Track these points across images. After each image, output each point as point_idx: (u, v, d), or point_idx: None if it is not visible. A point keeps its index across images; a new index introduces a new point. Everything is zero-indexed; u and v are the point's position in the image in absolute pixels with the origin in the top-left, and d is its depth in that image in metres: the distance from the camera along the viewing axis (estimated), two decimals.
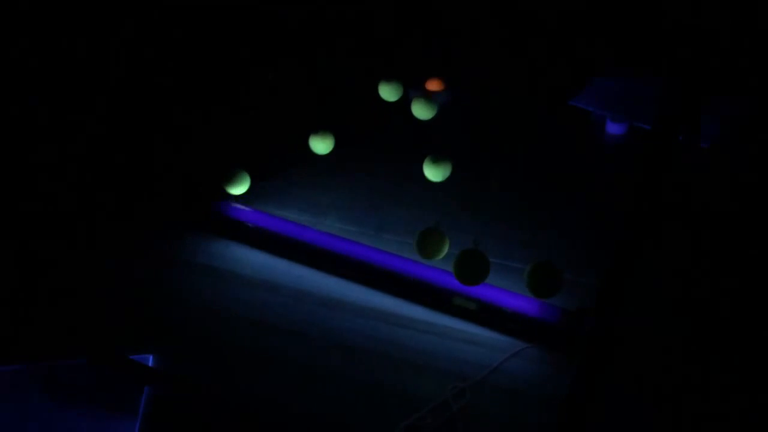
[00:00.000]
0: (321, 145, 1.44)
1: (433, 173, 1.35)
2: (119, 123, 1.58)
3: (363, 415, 0.99)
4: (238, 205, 1.31)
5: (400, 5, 1.82)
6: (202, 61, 1.76)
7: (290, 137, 1.57)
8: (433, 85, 1.69)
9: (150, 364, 1.06)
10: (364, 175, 1.45)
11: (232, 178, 1.31)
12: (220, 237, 1.30)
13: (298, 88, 1.75)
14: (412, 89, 1.68)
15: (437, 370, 1.04)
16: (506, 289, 1.12)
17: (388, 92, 1.54)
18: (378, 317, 1.13)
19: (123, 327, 1.13)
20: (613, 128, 1.54)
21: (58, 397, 1.01)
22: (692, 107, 1.11)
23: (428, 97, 1.49)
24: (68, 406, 1.00)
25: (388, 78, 1.54)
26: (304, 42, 1.85)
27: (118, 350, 1.08)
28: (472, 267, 1.08)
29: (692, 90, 1.03)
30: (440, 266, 1.17)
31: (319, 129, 1.43)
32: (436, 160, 1.33)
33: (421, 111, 1.50)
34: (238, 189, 1.32)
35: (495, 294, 1.12)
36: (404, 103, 1.58)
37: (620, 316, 1.00)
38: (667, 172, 0.97)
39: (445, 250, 1.15)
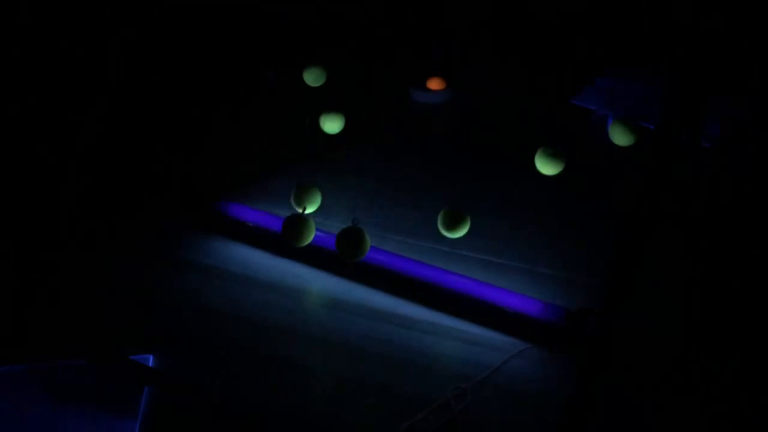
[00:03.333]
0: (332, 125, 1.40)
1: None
2: (119, 123, 1.58)
3: (364, 415, 0.98)
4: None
5: (400, 5, 1.81)
6: (202, 61, 1.76)
7: (290, 136, 1.57)
8: (434, 85, 1.69)
9: (150, 364, 1.06)
10: (365, 174, 1.45)
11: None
12: (220, 237, 1.30)
13: (298, 87, 1.74)
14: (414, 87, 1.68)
15: (438, 371, 1.04)
16: (508, 290, 1.12)
17: (312, 78, 1.46)
18: (379, 317, 1.13)
19: (123, 327, 1.13)
20: None
21: (58, 398, 1.01)
22: (694, 107, 1.11)
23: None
24: (68, 406, 1.00)
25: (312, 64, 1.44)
26: (304, 42, 1.85)
27: (118, 350, 1.08)
28: (351, 243, 1.10)
29: (694, 90, 1.03)
30: (439, 266, 1.17)
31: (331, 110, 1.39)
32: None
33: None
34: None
35: (497, 294, 1.12)
36: (401, 104, 1.58)
37: (620, 317, 1.00)
38: (669, 172, 0.97)
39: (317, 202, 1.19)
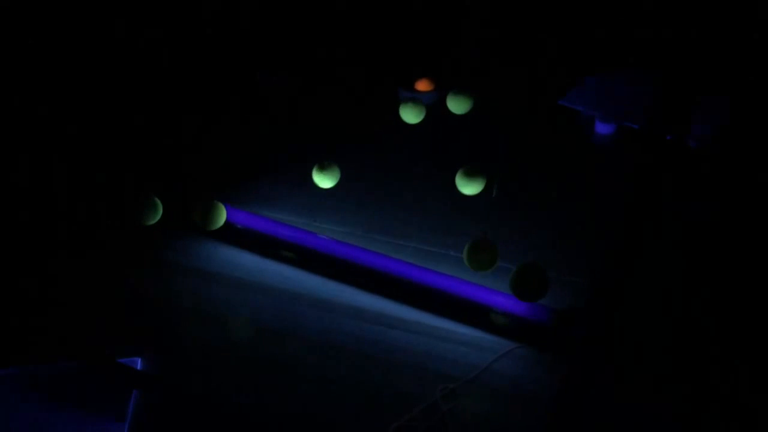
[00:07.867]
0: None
1: (322, 180, 1.34)
2: (118, 125, 1.58)
3: (353, 416, 0.98)
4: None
5: (397, 5, 1.81)
6: (198, 64, 1.75)
7: (281, 139, 1.57)
8: (423, 86, 1.69)
9: (138, 367, 1.05)
10: (353, 176, 1.44)
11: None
12: (209, 239, 1.29)
13: (289, 90, 1.74)
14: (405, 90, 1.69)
15: (427, 371, 1.04)
16: (496, 290, 1.12)
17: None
18: (368, 318, 1.13)
19: (112, 330, 1.13)
20: (601, 128, 1.55)
21: (46, 401, 1.01)
22: (681, 107, 1.11)
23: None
24: (57, 409, 1.00)
25: None
26: (299, 43, 1.84)
27: (107, 353, 1.07)
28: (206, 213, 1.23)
29: (681, 90, 1.03)
30: (427, 267, 1.17)
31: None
32: (323, 167, 1.32)
33: None
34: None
35: (485, 294, 1.12)
36: (393, 107, 1.58)
37: (620, 316, 1.00)
38: (663, 172, 0.97)
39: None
